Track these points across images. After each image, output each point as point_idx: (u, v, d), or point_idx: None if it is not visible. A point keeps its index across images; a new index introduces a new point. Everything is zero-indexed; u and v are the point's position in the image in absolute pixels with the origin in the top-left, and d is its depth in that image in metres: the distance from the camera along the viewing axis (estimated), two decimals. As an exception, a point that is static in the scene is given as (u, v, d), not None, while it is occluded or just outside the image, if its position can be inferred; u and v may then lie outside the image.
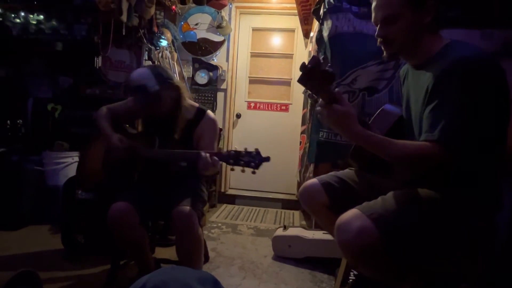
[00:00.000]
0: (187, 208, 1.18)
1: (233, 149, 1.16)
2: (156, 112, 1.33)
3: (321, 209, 1.12)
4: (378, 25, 0.94)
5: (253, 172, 1.13)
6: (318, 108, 0.86)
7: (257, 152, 1.13)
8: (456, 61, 0.81)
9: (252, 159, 1.12)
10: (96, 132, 1.41)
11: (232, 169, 1.15)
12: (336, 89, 0.84)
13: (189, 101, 1.41)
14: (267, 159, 1.12)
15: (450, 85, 0.80)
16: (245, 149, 1.15)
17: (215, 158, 1.15)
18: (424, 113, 0.85)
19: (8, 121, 2.32)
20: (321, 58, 0.77)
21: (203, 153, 1.14)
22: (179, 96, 1.33)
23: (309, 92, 0.83)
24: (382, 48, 0.97)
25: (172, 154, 1.26)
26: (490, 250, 0.87)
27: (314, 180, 1.14)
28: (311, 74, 0.78)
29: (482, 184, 0.85)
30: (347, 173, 1.15)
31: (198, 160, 1.15)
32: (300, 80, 0.80)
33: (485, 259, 0.87)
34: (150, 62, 2.51)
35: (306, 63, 0.77)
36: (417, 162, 0.82)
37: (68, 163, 2.17)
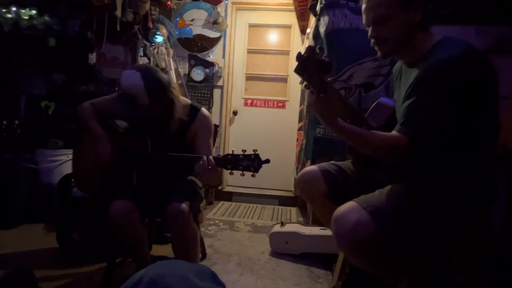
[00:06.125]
0: (181, 204, 1.17)
1: (230, 152, 1.10)
2: (149, 113, 1.28)
3: (319, 196, 1.11)
4: (370, 27, 0.94)
5: (253, 176, 1.08)
6: (308, 95, 0.86)
7: (256, 155, 1.07)
8: (437, 61, 0.83)
9: (251, 163, 1.07)
10: (84, 129, 1.37)
11: (231, 173, 1.10)
12: (329, 79, 0.82)
13: (182, 98, 1.37)
14: (267, 161, 1.08)
15: (427, 84, 0.82)
16: (243, 151, 1.09)
17: (212, 161, 1.09)
18: (402, 106, 0.87)
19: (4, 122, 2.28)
20: (317, 48, 0.76)
21: (199, 157, 1.10)
22: (172, 95, 1.29)
23: (306, 83, 0.82)
24: (376, 48, 0.97)
25: (168, 158, 1.22)
26: (486, 243, 0.88)
27: (313, 167, 1.14)
28: (307, 64, 0.76)
29: (475, 178, 0.86)
30: (346, 163, 1.15)
31: (195, 163, 1.11)
32: (296, 70, 0.78)
33: (480, 252, 0.88)
34: (145, 59, 2.48)
35: (302, 53, 0.76)
36: (384, 151, 0.85)
37: (63, 161, 2.14)
